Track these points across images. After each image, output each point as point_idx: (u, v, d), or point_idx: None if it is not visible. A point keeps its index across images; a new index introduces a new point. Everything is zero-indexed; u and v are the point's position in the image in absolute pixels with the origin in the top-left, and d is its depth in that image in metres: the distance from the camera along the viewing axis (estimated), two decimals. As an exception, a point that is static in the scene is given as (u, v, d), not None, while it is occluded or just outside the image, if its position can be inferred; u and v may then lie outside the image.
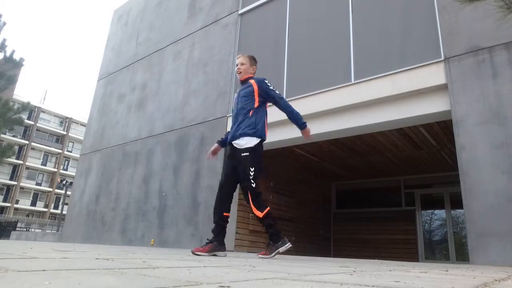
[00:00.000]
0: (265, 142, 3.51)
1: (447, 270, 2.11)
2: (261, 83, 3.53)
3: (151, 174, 8.05)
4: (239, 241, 6.76)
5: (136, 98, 9.51)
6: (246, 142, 3.31)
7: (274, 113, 6.40)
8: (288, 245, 3.22)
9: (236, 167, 3.36)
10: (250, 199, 3.24)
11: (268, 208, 3.28)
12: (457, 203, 8.87)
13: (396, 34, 5.51)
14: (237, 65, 3.65)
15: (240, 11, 7.85)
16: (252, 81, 3.57)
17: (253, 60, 3.72)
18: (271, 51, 7.05)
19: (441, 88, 4.77)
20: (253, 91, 3.48)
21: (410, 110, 5.00)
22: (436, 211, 9.52)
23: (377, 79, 5.34)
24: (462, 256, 8.50)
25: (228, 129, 6.96)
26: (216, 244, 3.19)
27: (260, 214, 3.22)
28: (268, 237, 3.26)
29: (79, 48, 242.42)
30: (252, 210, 3.26)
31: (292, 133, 6.23)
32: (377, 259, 5.35)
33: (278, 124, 6.40)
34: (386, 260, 4.74)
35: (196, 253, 3.04)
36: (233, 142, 3.40)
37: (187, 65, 8.48)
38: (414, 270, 2.00)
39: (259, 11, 7.62)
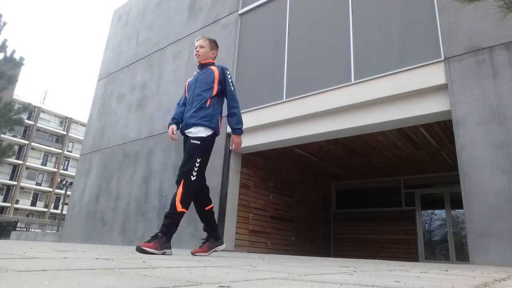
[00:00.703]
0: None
1: (447, 270, 2.11)
2: (223, 71, 3.33)
3: (151, 174, 8.05)
4: (239, 241, 6.76)
5: (136, 98, 9.51)
6: (199, 131, 3.12)
7: (273, 114, 6.42)
8: (168, 254, 2.86)
9: None
10: (181, 189, 2.95)
11: (186, 211, 2.98)
12: (457, 203, 8.87)
13: (396, 34, 5.51)
14: (196, 48, 3.42)
15: (240, 11, 7.85)
16: (214, 68, 3.35)
17: (213, 44, 3.49)
18: (271, 51, 7.05)
19: (441, 88, 4.77)
20: (214, 78, 3.26)
21: (410, 110, 5.00)
22: (436, 211, 9.52)
23: (377, 79, 5.34)
24: (462, 256, 8.50)
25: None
26: (212, 241, 3.14)
27: (179, 207, 2.91)
28: (161, 229, 2.88)
29: (79, 48, 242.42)
30: (175, 198, 2.94)
31: (292, 133, 6.23)
32: (377, 259, 5.36)
33: (277, 124, 6.40)
34: (386, 260, 4.75)
35: (196, 254, 3.00)
36: (186, 131, 3.21)
37: (187, 65, 8.48)
38: (414, 270, 2.00)
39: (259, 11, 7.62)
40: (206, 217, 3.20)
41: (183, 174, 3.01)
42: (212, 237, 3.16)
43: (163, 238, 2.81)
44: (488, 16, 4.33)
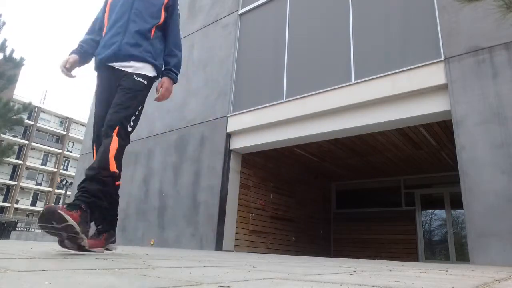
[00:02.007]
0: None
1: (447, 270, 2.11)
2: None
3: (151, 174, 8.05)
4: (239, 241, 6.76)
5: (136, 98, 9.51)
6: (144, 68, 2.26)
7: (273, 114, 6.42)
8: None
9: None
10: (116, 140, 2.04)
11: (118, 173, 2.08)
12: (457, 203, 8.87)
13: (396, 34, 5.51)
14: None
15: (240, 11, 7.85)
16: None
17: None
18: (271, 51, 7.05)
19: (441, 88, 4.77)
20: (163, 0, 2.41)
21: (410, 110, 5.01)
22: (436, 211, 9.52)
23: (377, 79, 5.34)
24: (462, 256, 8.50)
25: (230, 128, 7.00)
26: (112, 233, 2.25)
27: (113, 166, 1.99)
28: (83, 198, 1.85)
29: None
30: (107, 151, 2.00)
31: (292, 133, 6.23)
32: (377, 259, 5.36)
33: (277, 124, 6.40)
34: (386, 260, 4.75)
35: (92, 250, 1.94)
36: (117, 64, 2.25)
37: (187, 65, 8.48)
38: (414, 270, 2.00)
39: (259, 11, 7.62)
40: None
41: (120, 119, 2.10)
42: (113, 229, 2.28)
43: (86, 213, 1.80)
44: (488, 16, 4.33)
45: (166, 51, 2.43)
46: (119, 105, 2.13)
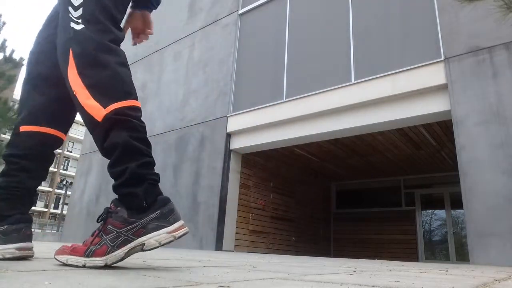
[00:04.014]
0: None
1: (447, 270, 2.11)
2: None
3: (151, 174, 8.05)
4: (239, 241, 6.76)
5: (136, 98, 9.51)
6: None
7: (273, 114, 6.42)
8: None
9: None
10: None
11: (130, 102, 1.20)
12: (457, 203, 8.87)
13: (396, 34, 5.51)
14: None
15: (240, 11, 7.86)
16: None
17: None
18: (271, 51, 7.06)
19: (441, 88, 4.77)
20: None
21: (410, 110, 5.01)
22: (436, 211, 9.52)
23: (377, 79, 5.34)
24: (462, 256, 8.50)
25: (230, 128, 7.00)
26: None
27: (104, 110, 1.16)
28: (120, 200, 1.27)
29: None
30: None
31: (292, 133, 6.23)
32: (377, 259, 5.36)
33: (277, 124, 6.40)
34: (386, 260, 4.75)
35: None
36: None
37: (187, 65, 8.48)
38: (414, 270, 2.00)
39: (259, 11, 7.62)
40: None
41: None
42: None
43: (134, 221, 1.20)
44: (488, 16, 4.33)
45: None
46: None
